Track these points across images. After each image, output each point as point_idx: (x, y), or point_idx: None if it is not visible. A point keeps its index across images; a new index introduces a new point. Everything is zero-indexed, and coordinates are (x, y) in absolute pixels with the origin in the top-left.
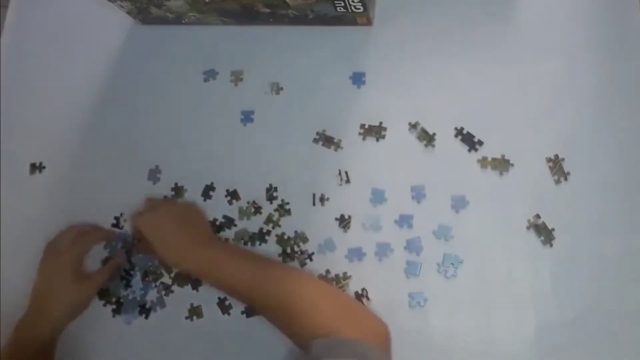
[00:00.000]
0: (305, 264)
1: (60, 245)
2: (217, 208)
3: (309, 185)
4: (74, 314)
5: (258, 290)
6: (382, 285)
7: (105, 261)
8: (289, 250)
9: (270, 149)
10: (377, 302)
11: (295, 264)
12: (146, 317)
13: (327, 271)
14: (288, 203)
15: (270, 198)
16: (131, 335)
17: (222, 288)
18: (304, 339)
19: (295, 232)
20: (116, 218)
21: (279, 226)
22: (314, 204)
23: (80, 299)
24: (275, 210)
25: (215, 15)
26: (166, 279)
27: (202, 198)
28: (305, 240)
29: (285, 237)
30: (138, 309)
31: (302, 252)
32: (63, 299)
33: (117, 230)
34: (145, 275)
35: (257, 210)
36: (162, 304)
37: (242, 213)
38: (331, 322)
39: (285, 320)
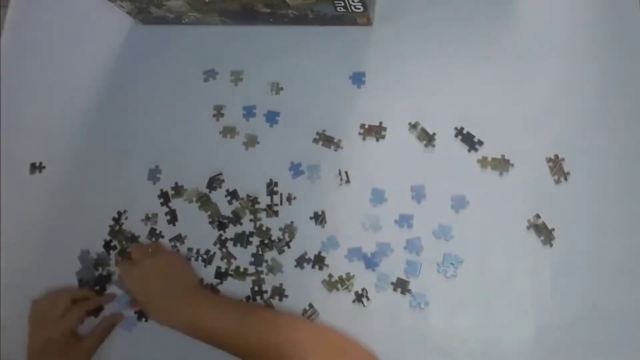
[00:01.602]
0: (283, 251)
1: (50, 313)
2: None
3: (309, 185)
4: None
5: (246, 339)
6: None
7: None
8: (266, 241)
9: (270, 148)
10: (377, 302)
11: (274, 252)
12: (146, 320)
13: (330, 275)
14: (289, 202)
15: (271, 193)
16: (132, 336)
17: (210, 341)
18: None
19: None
20: (118, 212)
21: (278, 226)
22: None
23: None
24: (275, 210)
25: (215, 15)
26: None
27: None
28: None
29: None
30: (136, 315)
31: (279, 240)
32: None
33: (112, 294)
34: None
35: (257, 210)
36: None
37: (242, 212)
38: None
39: None
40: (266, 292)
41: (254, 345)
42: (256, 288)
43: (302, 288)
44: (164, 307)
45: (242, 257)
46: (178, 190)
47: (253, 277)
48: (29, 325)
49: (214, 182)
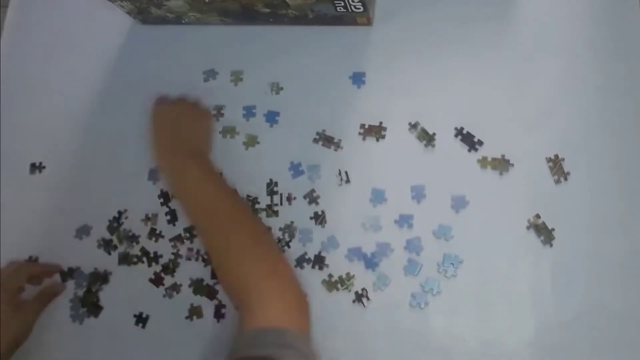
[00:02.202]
0: (283, 251)
1: None
2: None
3: (309, 185)
4: (16, 345)
5: (206, 220)
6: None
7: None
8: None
9: (270, 148)
10: (377, 302)
11: None
12: (143, 327)
13: (330, 275)
14: (289, 202)
15: (271, 193)
16: (132, 336)
17: (182, 203)
18: (230, 291)
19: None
20: (118, 212)
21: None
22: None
23: (19, 331)
24: (275, 210)
25: (215, 15)
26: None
27: None
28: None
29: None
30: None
31: (279, 240)
32: (4, 332)
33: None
34: None
35: (257, 210)
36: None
37: None
38: (254, 283)
39: (217, 263)
40: None
41: (209, 229)
42: None
43: (302, 288)
44: (164, 151)
45: None
46: None
47: None
48: None
49: None
